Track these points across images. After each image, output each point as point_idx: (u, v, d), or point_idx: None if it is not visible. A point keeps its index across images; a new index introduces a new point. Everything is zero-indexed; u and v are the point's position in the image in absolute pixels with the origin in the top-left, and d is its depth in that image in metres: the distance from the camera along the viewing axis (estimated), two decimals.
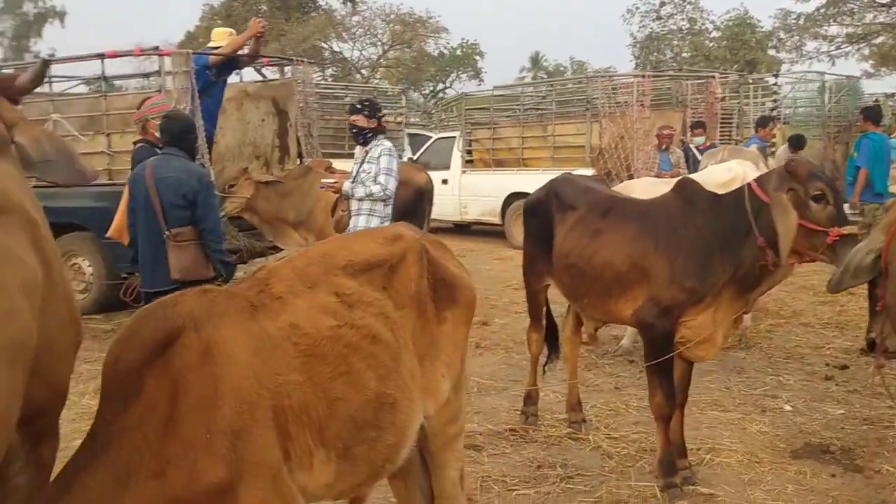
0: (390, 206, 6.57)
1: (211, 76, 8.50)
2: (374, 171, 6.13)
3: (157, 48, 8.35)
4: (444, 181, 15.06)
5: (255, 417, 2.24)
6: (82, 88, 9.98)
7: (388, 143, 6.39)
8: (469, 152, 15.42)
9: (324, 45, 36.24)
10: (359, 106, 6.44)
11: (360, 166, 6.41)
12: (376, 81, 34.25)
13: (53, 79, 8.78)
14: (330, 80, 35.49)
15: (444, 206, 14.89)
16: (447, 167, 15.39)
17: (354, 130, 6.47)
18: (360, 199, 6.20)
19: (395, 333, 2.63)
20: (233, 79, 10.06)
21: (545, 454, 5.10)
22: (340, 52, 37.26)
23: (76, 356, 2.52)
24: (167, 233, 5.51)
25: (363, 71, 36.53)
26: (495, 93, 17.10)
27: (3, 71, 8.76)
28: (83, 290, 8.90)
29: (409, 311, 2.71)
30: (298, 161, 9.84)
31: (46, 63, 3.29)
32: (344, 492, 2.68)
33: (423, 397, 2.75)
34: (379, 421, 2.54)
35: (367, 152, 6.42)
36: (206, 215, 5.57)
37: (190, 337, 2.22)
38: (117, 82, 9.81)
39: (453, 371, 2.84)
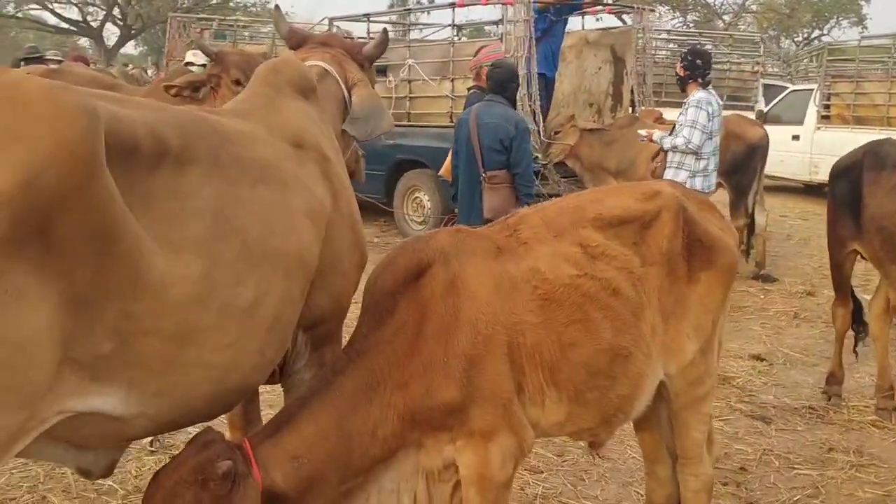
0: (706, 161, 6.41)
1: (551, 17, 8.77)
2: (682, 122, 6.03)
3: None
4: (795, 137, 14.03)
5: (489, 349, 2.47)
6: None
7: (700, 95, 6.23)
8: (826, 107, 14.15)
9: None
10: (682, 55, 6.43)
11: (679, 116, 6.37)
12: (743, 28, 32.33)
13: (411, 26, 9.66)
14: (691, 26, 34.21)
15: (793, 165, 13.92)
16: (800, 122, 14.27)
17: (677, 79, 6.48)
18: (669, 151, 6.14)
19: (638, 288, 2.69)
20: (576, 26, 10.27)
21: (840, 437, 4.79)
22: None
23: (361, 275, 2.93)
24: (483, 175, 5.93)
25: (725, 17, 34.65)
26: (863, 43, 15.41)
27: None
28: (422, 221, 9.80)
29: (658, 269, 2.74)
30: (630, 110, 9.85)
31: (386, 32, 3.75)
32: (575, 433, 2.83)
33: (665, 354, 2.78)
34: (611, 371, 2.64)
35: (685, 103, 6.34)
36: (520, 160, 5.91)
37: (438, 270, 2.49)
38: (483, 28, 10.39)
39: (702, 333, 2.82)
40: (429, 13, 10.29)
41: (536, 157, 8.49)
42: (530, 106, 8.54)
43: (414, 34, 10.77)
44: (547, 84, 9.18)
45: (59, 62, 12.91)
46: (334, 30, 10.58)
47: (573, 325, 2.57)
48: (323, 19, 11.33)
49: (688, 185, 5.96)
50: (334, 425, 2.39)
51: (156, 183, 2.09)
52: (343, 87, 3.47)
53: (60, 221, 1.78)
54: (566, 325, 2.56)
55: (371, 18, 10.14)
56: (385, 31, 3.72)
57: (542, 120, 8.72)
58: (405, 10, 9.57)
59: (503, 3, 8.65)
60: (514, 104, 6.30)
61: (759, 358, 6.19)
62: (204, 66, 9.17)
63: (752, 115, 11.48)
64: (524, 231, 2.67)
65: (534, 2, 8.71)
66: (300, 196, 2.59)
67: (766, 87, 16.14)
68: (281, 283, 2.40)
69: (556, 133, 8.41)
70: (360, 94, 3.51)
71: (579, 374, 2.60)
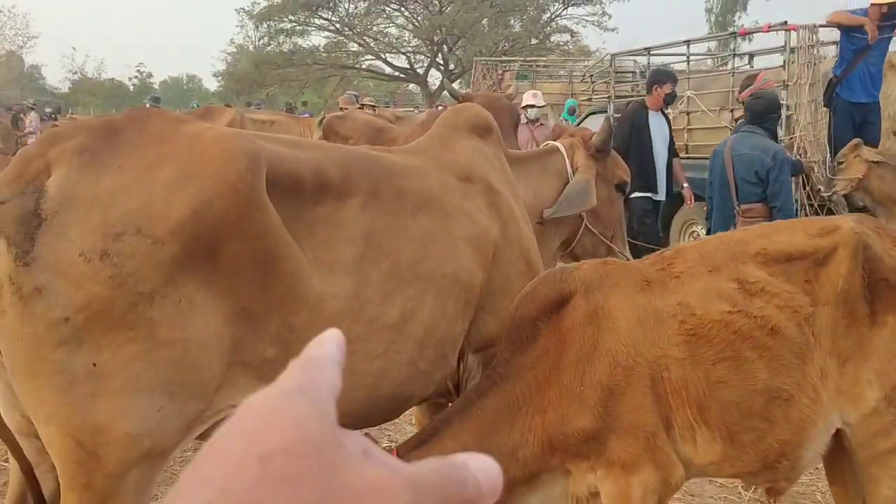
0: None
1: (860, 35, 8.12)
2: None
3: (785, 22, 8.33)
4: None
5: (629, 380, 2.49)
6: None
7: None
8: None
9: None
10: None
11: None
12: None
13: (691, 57, 9.48)
14: None
15: None
16: None
17: None
18: None
19: (804, 329, 2.54)
20: None
21: None
22: None
23: None
24: (737, 207, 5.74)
25: None
26: None
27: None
28: None
29: (832, 309, 2.56)
30: None
31: (611, 128, 4.03)
32: (737, 475, 2.71)
33: (841, 401, 2.58)
34: (769, 413, 2.51)
35: None
36: (777, 193, 5.65)
37: (579, 300, 2.57)
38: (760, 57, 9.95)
39: (887, 381, 2.57)
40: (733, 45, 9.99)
41: (819, 190, 7.94)
42: (814, 136, 7.99)
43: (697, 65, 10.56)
44: (868, 111, 8.40)
45: (374, 107, 14.45)
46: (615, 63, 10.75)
47: (722, 363, 2.50)
48: (606, 55, 11.51)
49: None
50: (475, 443, 2.55)
51: (319, 213, 2.45)
52: (568, 166, 3.79)
53: (226, 246, 2.17)
54: (714, 363, 2.50)
55: (651, 52, 10.13)
56: (608, 118, 3.97)
57: (829, 151, 8.11)
58: (684, 42, 9.38)
59: (787, 30, 8.22)
60: (774, 136, 6.01)
61: None
62: (543, 106, 10.02)
63: None
64: (678, 265, 2.65)
65: (837, 25, 8.10)
66: (462, 224, 2.83)
67: None
68: (432, 301, 2.65)
69: (840, 164, 7.78)
70: (574, 178, 3.81)
71: (731, 413, 2.52)
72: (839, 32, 8.43)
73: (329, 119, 6.75)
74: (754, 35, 10.36)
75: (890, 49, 9.31)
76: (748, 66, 10.45)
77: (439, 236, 2.73)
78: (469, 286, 2.80)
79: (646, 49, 10.22)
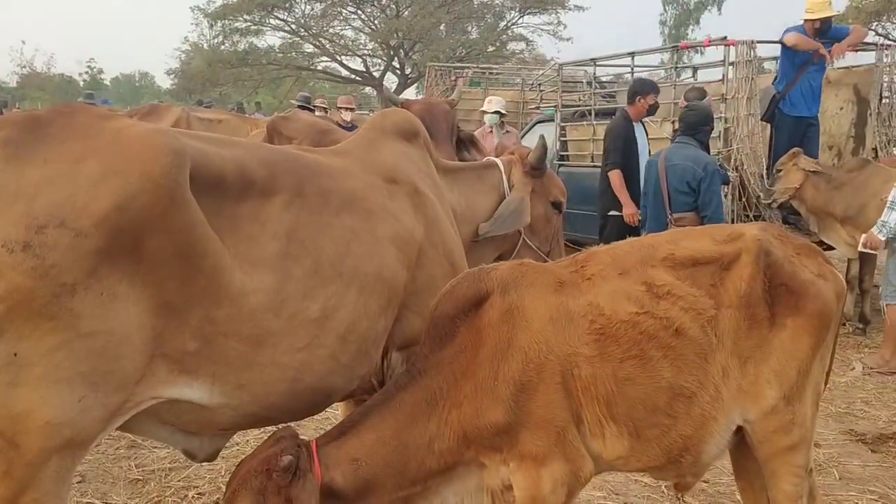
0: None
1: (806, 52, 8.36)
2: None
3: (724, 38, 8.56)
4: None
5: (540, 376, 2.60)
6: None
7: None
8: None
9: None
10: None
11: None
12: None
13: (636, 68, 9.66)
14: None
15: None
16: None
17: None
18: None
19: (707, 330, 2.67)
20: None
21: None
22: None
23: None
24: (670, 216, 5.91)
25: None
26: None
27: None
28: None
29: (735, 311, 2.70)
30: (874, 154, 9.11)
31: (545, 147, 4.13)
32: (644, 470, 2.84)
33: (741, 399, 2.72)
34: (672, 409, 2.64)
35: None
36: (708, 203, 5.83)
37: (496, 298, 2.67)
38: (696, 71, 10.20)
39: (785, 380, 2.71)
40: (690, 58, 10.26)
41: (758, 197, 8.16)
42: (751, 148, 8.23)
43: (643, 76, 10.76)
44: (809, 126, 8.64)
45: (326, 109, 14.47)
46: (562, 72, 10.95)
47: (629, 361, 2.62)
48: (553, 64, 11.69)
49: None
50: (393, 435, 2.64)
51: (242, 209, 2.52)
52: (505, 181, 3.96)
53: (149, 240, 2.22)
54: (622, 361, 2.62)
55: (597, 63, 10.31)
56: (542, 137, 4.09)
57: (764, 163, 8.35)
58: (629, 53, 9.58)
59: (726, 45, 8.44)
60: (706, 147, 6.20)
61: None
62: (497, 113, 10.11)
63: None
64: (590, 267, 2.77)
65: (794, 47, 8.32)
66: (386, 224, 2.92)
67: None
68: (355, 298, 2.73)
69: (778, 172, 8.01)
70: (510, 195, 3.93)
71: (637, 410, 2.64)
72: (780, 48, 8.70)
73: (273, 119, 6.78)
74: (706, 49, 10.58)
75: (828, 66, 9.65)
76: (692, 79, 10.72)
77: (363, 235, 2.81)
78: (392, 285, 2.88)
79: (592, 60, 10.40)
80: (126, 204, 2.15)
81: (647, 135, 7.88)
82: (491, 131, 10.15)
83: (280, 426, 2.75)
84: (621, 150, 7.24)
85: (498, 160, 4.08)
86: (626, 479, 4.50)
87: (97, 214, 2.11)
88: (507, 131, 10.41)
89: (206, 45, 37.77)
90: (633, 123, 7.49)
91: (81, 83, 47.87)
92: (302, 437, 3.17)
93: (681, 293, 2.69)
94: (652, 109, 7.61)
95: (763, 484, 3.00)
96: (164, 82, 46.45)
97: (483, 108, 10.48)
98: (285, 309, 2.54)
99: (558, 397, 2.61)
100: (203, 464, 4.56)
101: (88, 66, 49.91)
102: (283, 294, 2.54)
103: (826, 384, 3.04)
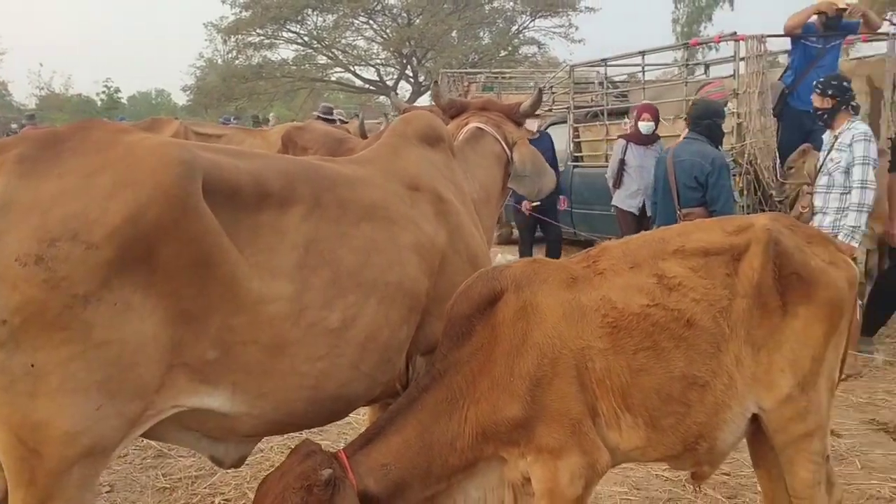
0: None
1: (815, 45, 8.36)
2: (844, 160, 5.55)
3: (734, 33, 8.58)
4: None
5: (555, 371, 2.64)
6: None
7: (863, 127, 5.69)
8: None
9: None
10: (819, 85, 5.91)
11: (828, 154, 5.85)
12: None
13: (647, 66, 9.71)
14: None
15: None
16: None
17: (817, 113, 5.96)
18: (826, 193, 5.71)
19: (720, 320, 2.70)
20: None
21: None
22: None
23: None
24: (679, 212, 5.94)
25: None
26: None
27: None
28: None
29: (747, 301, 2.73)
30: (889, 145, 9.06)
31: (541, 91, 4.11)
32: (661, 459, 2.87)
33: (755, 387, 2.75)
34: (686, 398, 2.68)
35: (835, 137, 5.83)
36: (717, 197, 5.86)
37: (510, 296, 2.72)
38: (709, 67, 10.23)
39: (799, 368, 2.74)
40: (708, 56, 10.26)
41: (772, 195, 8.16)
42: (764, 142, 8.23)
43: (651, 75, 10.78)
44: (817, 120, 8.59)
45: (345, 122, 14.58)
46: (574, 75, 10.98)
47: (642, 353, 2.66)
48: (564, 67, 11.74)
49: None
50: (417, 436, 2.69)
51: (260, 220, 2.56)
52: (503, 145, 3.87)
53: (162, 250, 2.26)
54: (635, 352, 2.66)
55: (608, 63, 10.36)
56: (539, 90, 4.05)
57: (777, 157, 8.34)
58: (640, 53, 9.61)
59: (735, 40, 8.46)
60: (715, 141, 6.22)
61: None
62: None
63: None
64: (602, 262, 2.81)
65: (791, 32, 8.29)
66: (408, 232, 2.95)
67: None
68: (375, 308, 2.76)
69: (790, 169, 8.00)
70: (521, 153, 3.92)
71: (651, 399, 2.68)
72: (790, 42, 8.69)
73: (288, 130, 6.88)
74: (720, 45, 10.57)
75: (840, 58, 9.62)
76: (704, 76, 10.74)
77: (383, 245, 2.84)
78: (414, 293, 2.91)
79: (603, 60, 10.44)
80: (137, 215, 2.20)
81: None
82: None
83: (302, 435, 2.77)
84: None
85: (482, 125, 3.88)
86: (647, 473, 4.53)
87: (109, 226, 2.15)
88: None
89: (220, 61, 38.17)
90: None
91: (99, 103, 48.32)
92: (325, 441, 3.22)
93: (692, 284, 2.73)
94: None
95: (781, 472, 3.02)
96: (181, 99, 46.87)
97: None
98: (304, 318, 2.57)
99: (573, 390, 2.66)
100: (229, 471, 4.67)
101: (105, 86, 50.43)
102: (302, 303, 2.57)
103: (842, 372, 3.06)
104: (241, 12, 34.96)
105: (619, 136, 8.60)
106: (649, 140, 7.69)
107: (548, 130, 10.73)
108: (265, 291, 2.49)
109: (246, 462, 4.66)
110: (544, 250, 9.07)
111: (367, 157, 3.21)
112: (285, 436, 4.67)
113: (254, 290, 2.47)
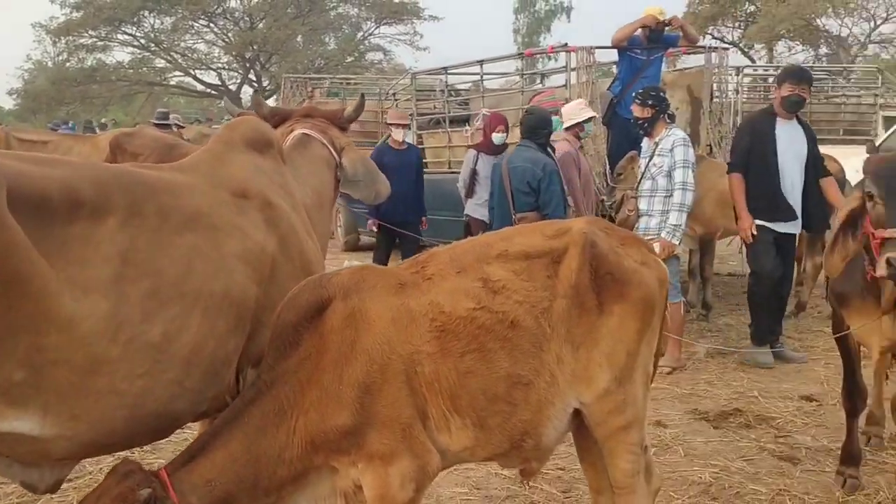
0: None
1: (640, 56, 8.81)
2: (666, 164, 5.99)
3: (565, 45, 8.96)
4: None
5: (385, 376, 2.66)
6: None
7: (681, 133, 6.18)
8: None
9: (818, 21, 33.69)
10: (640, 96, 6.41)
11: (650, 160, 6.31)
12: (860, 60, 30.83)
13: (485, 76, 9.98)
14: (824, 60, 33.05)
15: None
16: None
17: (637, 122, 6.44)
18: (650, 196, 6.13)
19: (541, 320, 2.81)
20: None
21: (868, 480, 4.58)
22: (827, 29, 34.17)
23: None
24: (514, 216, 6.14)
25: (853, 48, 33.13)
26: None
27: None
28: None
29: (567, 301, 2.85)
30: (708, 150, 9.72)
31: (363, 97, 4.13)
32: (490, 458, 2.95)
33: (576, 383, 2.86)
34: (511, 397, 2.77)
35: (656, 144, 6.29)
36: (548, 202, 6.11)
37: (338, 304, 2.72)
38: (546, 77, 10.63)
39: (615, 363, 2.88)
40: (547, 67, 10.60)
41: (602, 200, 8.55)
42: (594, 150, 8.63)
43: (493, 84, 11.12)
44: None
45: (181, 127, 14.13)
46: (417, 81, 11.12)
47: (469, 355, 2.73)
48: (406, 75, 11.87)
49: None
50: (243, 450, 2.64)
51: (71, 231, 2.42)
52: (331, 149, 3.86)
53: None
54: (462, 355, 2.72)
55: (449, 71, 10.56)
56: (362, 95, 4.09)
57: (607, 163, 8.76)
58: (478, 62, 9.84)
59: (567, 51, 8.83)
60: (545, 149, 6.48)
61: (809, 398, 6.01)
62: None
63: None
64: (430, 267, 2.86)
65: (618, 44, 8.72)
66: (234, 240, 2.88)
67: (886, 119, 15.37)
68: (199, 319, 2.68)
69: (619, 175, 8.43)
70: (351, 158, 3.91)
71: (479, 400, 2.75)
72: (617, 54, 9.15)
73: (116, 136, 6.59)
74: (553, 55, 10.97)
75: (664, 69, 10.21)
76: (540, 85, 11.14)
77: (207, 253, 2.76)
78: (242, 302, 2.85)
79: (444, 68, 10.64)
80: None
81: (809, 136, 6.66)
82: None
83: (134, 455, 2.68)
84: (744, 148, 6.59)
85: (308, 130, 3.85)
86: (487, 473, 4.63)
87: None
88: None
89: (50, 63, 36.10)
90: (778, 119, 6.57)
91: None
92: (159, 461, 3.10)
93: (515, 287, 2.82)
94: (789, 103, 6.49)
95: (603, 465, 3.17)
96: (7, 103, 43.94)
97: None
98: (122, 334, 2.47)
99: (403, 395, 2.69)
100: (53, 496, 4.41)
101: None
102: (119, 318, 2.46)
103: (656, 366, 3.24)
104: (71, 13, 33.23)
105: (470, 147, 8.74)
106: (500, 150, 7.89)
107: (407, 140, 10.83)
108: (78, 307, 2.37)
109: (73, 485, 4.45)
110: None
111: (190, 164, 3.11)
112: (115, 455, 4.47)
113: (65, 306, 2.35)
